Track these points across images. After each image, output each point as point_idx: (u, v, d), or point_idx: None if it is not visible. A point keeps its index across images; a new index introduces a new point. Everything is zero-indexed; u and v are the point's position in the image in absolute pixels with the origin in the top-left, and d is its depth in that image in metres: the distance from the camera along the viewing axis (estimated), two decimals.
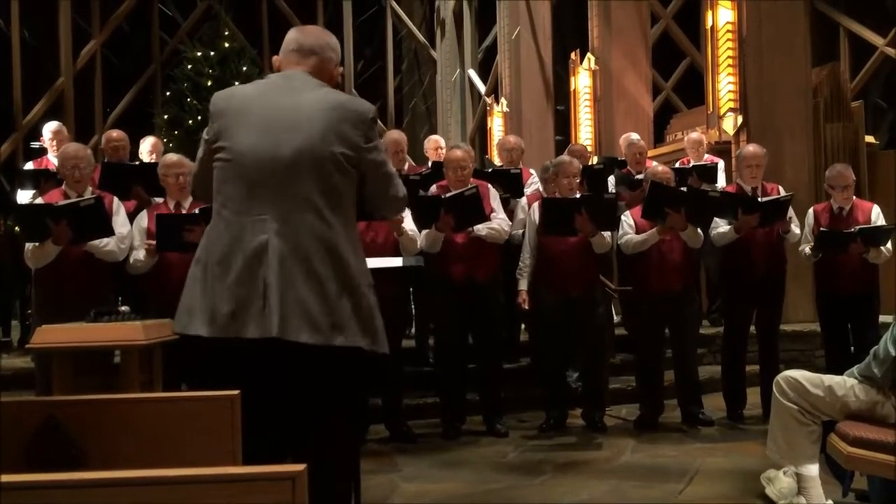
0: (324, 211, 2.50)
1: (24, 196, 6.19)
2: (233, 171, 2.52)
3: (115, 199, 5.15)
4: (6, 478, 1.54)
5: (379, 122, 2.76)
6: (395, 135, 6.18)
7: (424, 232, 5.36)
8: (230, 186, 2.53)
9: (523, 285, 5.62)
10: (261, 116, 2.53)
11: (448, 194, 5.29)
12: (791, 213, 5.65)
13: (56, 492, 1.55)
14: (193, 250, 4.63)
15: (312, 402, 2.57)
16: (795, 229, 5.67)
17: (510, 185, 6.06)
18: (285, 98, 2.55)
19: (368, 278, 2.61)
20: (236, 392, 2.41)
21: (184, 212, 5.10)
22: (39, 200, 5.26)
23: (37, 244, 4.88)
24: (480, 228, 5.37)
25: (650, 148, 9.07)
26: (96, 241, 4.91)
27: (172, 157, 5.37)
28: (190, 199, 5.12)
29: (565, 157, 5.99)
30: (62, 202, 4.91)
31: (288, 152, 2.49)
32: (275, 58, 2.73)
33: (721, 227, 5.61)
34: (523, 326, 6.67)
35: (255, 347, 2.47)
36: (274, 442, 2.53)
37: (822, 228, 5.60)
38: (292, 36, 2.70)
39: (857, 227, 5.51)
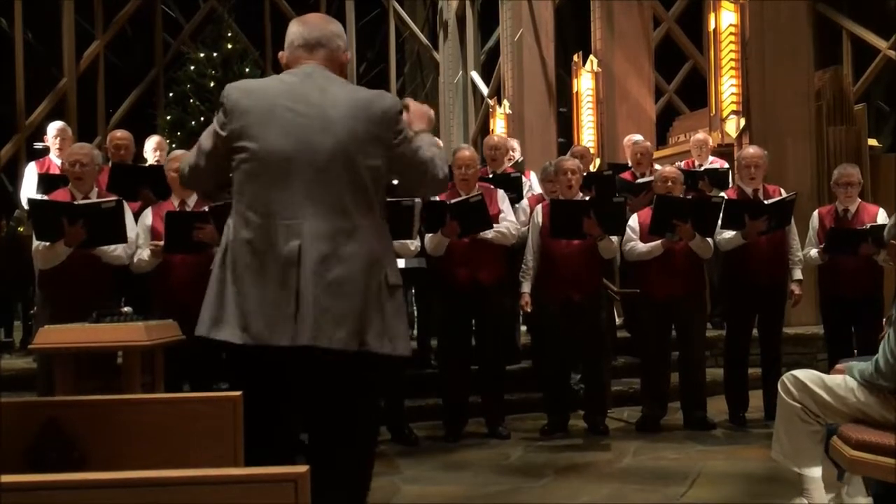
0: (355, 215, 2.46)
1: (28, 194, 6.12)
2: (261, 173, 2.44)
3: (123, 201, 5.11)
4: (7, 478, 1.54)
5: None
6: None
7: (429, 235, 5.37)
8: (258, 188, 2.45)
9: (526, 288, 5.61)
10: (290, 116, 2.45)
11: (453, 200, 5.29)
12: (792, 225, 5.65)
13: (57, 493, 1.55)
14: (201, 251, 4.64)
15: (338, 407, 2.52)
16: (794, 243, 5.70)
17: (511, 189, 6.07)
18: (314, 97, 2.48)
19: (397, 279, 2.56)
20: (238, 394, 2.40)
21: (189, 209, 5.05)
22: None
23: (47, 244, 4.74)
24: (487, 232, 5.37)
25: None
26: (106, 246, 4.83)
27: (178, 152, 5.35)
28: (195, 196, 5.08)
29: (564, 155, 6.02)
30: (82, 202, 4.80)
31: (322, 155, 2.43)
32: (281, 54, 2.64)
33: (726, 232, 5.60)
34: (525, 329, 6.67)
35: (284, 354, 2.42)
36: (287, 447, 2.50)
37: (831, 227, 5.57)
38: (295, 30, 2.60)
39: (869, 225, 5.48)
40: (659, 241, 5.50)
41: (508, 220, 5.50)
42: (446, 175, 2.69)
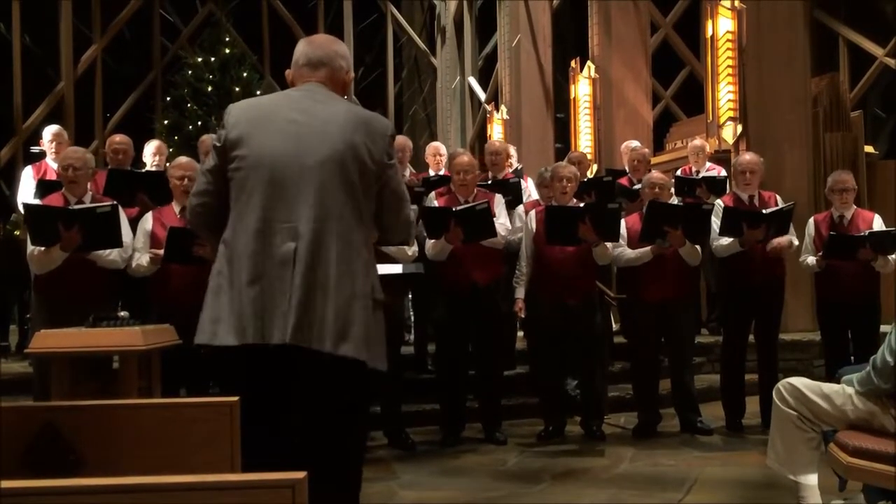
0: (349, 222, 2.53)
1: (25, 198, 6.10)
2: (259, 177, 2.51)
3: (118, 205, 5.10)
4: (4, 484, 1.54)
5: None
6: (400, 140, 6.18)
7: (431, 241, 5.36)
8: (255, 192, 2.51)
9: (520, 293, 5.60)
10: (289, 123, 2.55)
11: (459, 207, 5.27)
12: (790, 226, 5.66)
13: (54, 498, 1.55)
14: (199, 264, 4.64)
15: (322, 410, 2.56)
16: (794, 241, 5.69)
17: (509, 194, 6.07)
18: (311, 107, 2.58)
19: (379, 294, 2.61)
20: (235, 399, 2.40)
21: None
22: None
23: (42, 249, 4.73)
24: None
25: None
26: (101, 250, 4.82)
27: (182, 159, 5.32)
28: None
29: (562, 162, 6.01)
30: (77, 206, 4.79)
31: (318, 160, 2.51)
32: (288, 72, 2.75)
33: (723, 239, 5.60)
34: (521, 334, 6.67)
35: (278, 354, 2.47)
36: (281, 450, 2.51)
37: (831, 233, 5.57)
38: (301, 49, 2.72)
39: (867, 231, 5.49)
40: (648, 248, 5.50)
41: (500, 222, 5.48)
42: (413, 224, 2.85)
